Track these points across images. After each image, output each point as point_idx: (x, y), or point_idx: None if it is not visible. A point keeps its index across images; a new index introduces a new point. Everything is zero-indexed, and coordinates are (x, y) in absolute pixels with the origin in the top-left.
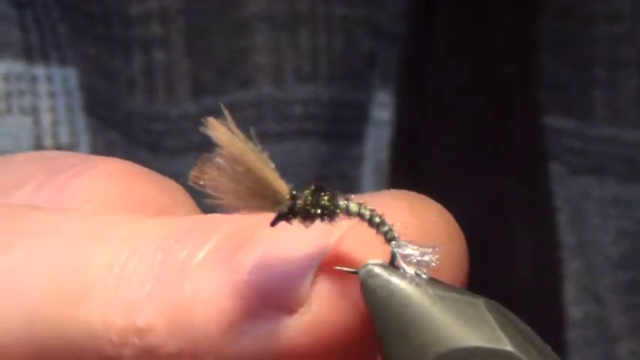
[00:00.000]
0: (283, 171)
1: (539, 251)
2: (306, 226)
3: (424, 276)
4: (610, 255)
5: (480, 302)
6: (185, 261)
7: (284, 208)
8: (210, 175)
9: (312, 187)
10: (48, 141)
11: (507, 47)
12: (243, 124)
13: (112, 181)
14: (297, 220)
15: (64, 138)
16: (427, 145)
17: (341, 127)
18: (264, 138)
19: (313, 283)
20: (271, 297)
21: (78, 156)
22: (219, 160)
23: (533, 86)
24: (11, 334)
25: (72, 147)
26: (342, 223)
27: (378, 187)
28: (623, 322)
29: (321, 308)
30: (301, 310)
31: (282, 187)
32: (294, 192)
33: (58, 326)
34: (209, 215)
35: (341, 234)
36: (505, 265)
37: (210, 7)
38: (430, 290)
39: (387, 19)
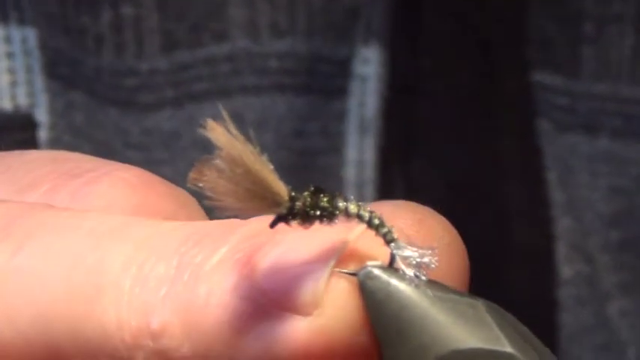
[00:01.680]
0: (262, 125)
1: (531, 209)
2: (306, 228)
3: (423, 277)
4: (601, 213)
5: (480, 304)
6: (201, 264)
7: (283, 210)
8: (209, 177)
9: (312, 189)
10: (6, 102)
11: (496, 2)
12: (218, 78)
13: (129, 190)
14: (296, 222)
15: (22, 100)
16: (418, 101)
17: (320, 82)
18: (241, 92)
19: (327, 287)
20: (286, 300)
21: (92, 160)
22: (218, 161)
23: (522, 42)
24: (23, 333)
25: (30, 108)
26: (357, 227)
27: (362, 144)
28: (613, 281)
29: (335, 310)
30: (315, 312)
31: (282, 188)
32: (293, 194)
33: (72, 325)
34: (228, 220)
35: (356, 237)
36: (498, 222)
37: None
38: (429, 292)
39: None
